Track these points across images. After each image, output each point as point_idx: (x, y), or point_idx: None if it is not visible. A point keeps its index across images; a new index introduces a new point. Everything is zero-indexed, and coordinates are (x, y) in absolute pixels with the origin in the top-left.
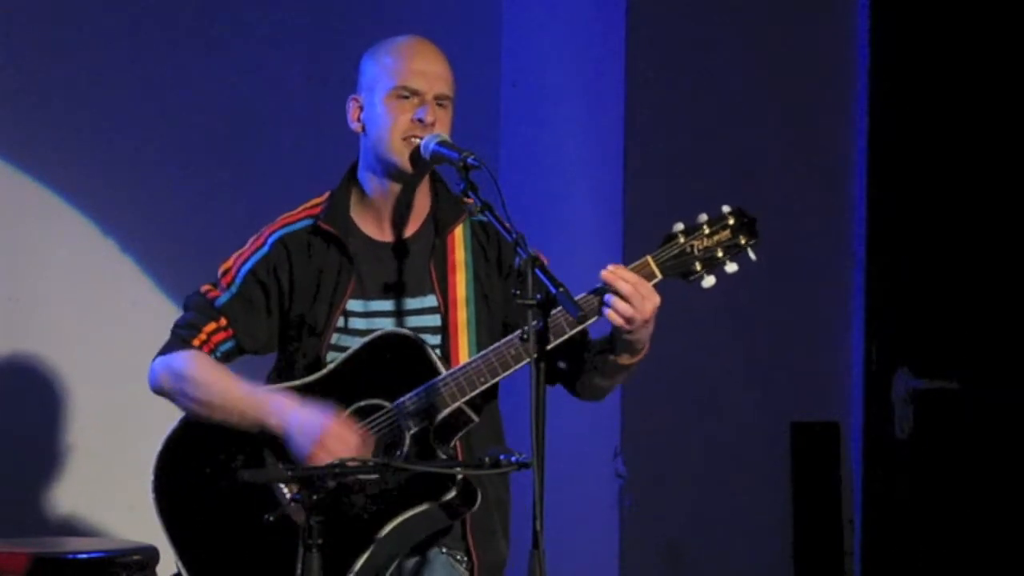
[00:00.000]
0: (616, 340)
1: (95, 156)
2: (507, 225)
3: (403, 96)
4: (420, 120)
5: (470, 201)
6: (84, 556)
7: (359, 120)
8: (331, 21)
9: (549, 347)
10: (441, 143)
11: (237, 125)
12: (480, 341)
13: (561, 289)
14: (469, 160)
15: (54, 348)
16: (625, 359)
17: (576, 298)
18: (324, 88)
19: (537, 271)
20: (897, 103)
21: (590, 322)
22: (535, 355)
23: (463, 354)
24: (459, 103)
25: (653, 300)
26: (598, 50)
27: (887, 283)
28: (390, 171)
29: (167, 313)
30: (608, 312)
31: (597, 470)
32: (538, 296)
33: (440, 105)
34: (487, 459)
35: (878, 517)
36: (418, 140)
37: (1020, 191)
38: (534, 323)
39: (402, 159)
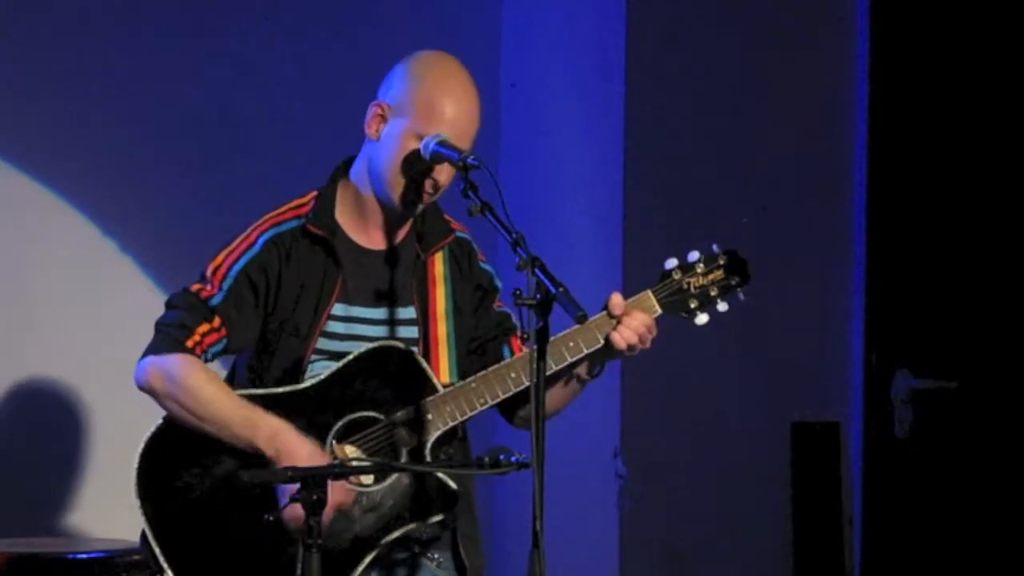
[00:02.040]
0: (601, 357)
1: (95, 156)
2: (507, 225)
3: None
4: (434, 187)
5: (458, 227)
6: (84, 556)
7: (378, 131)
8: (330, 22)
9: (549, 373)
10: (441, 143)
11: (236, 125)
12: (459, 355)
13: (561, 289)
14: (469, 160)
15: (54, 348)
16: (594, 373)
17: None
18: (322, 89)
19: (537, 271)
20: (897, 103)
21: (595, 347)
22: (536, 355)
23: (443, 367)
24: None
25: (654, 332)
26: (598, 51)
27: (887, 283)
28: (380, 198)
29: None
30: (614, 335)
31: (597, 470)
32: (538, 296)
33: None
34: (487, 459)
35: (878, 517)
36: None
37: (1020, 191)
38: (533, 322)
39: (397, 198)
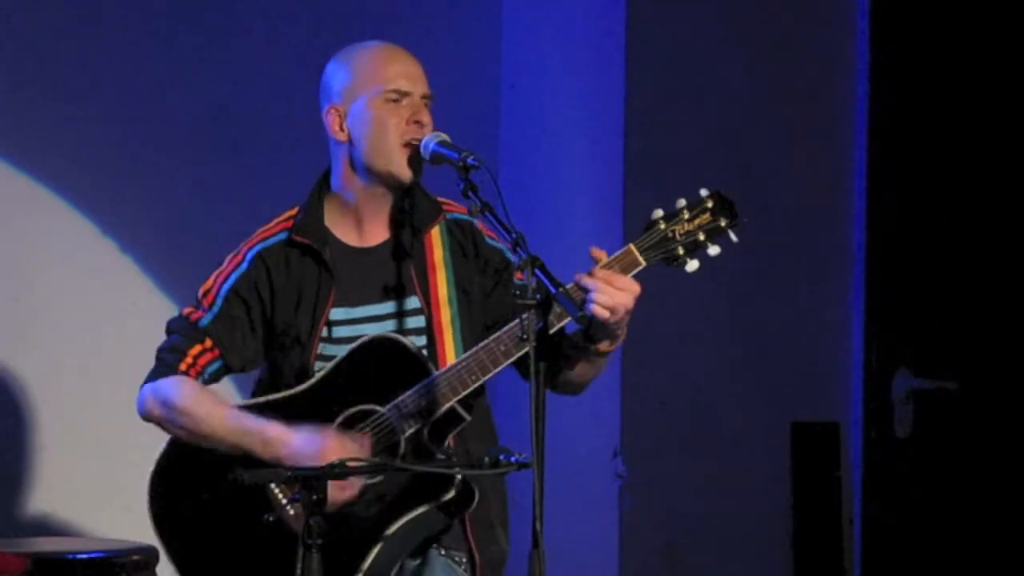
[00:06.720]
0: (597, 329)
1: (95, 156)
2: (507, 225)
3: (393, 100)
4: (417, 122)
5: (456, 208)
6: (84, 556)
7: (343, 129)
8: (331, 21)
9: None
10: (441, 143)
11: (237, 125)
12: (464, 339)
13: (561, 289)
14: (469, 160)
15: (54, 348)
16: (604, 346)
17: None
18: None
19: (537, 271)
20: (897, 103)
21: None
22: (535, 356)
23: (449, 353)
24: (459, 104)
25: (633, 290)
26: (598, 50)
27: (887, 283)
28: (384, 178)
29: (167, 313)
30: (592, 307)
31: (597, 470)
32: (538, 296)
33: (425, 105)
34: (487, 459)
35: (878, 517)
36: (417, 142)
37: (1020, 192)
38: (530, 322)
39: (401, 164)
